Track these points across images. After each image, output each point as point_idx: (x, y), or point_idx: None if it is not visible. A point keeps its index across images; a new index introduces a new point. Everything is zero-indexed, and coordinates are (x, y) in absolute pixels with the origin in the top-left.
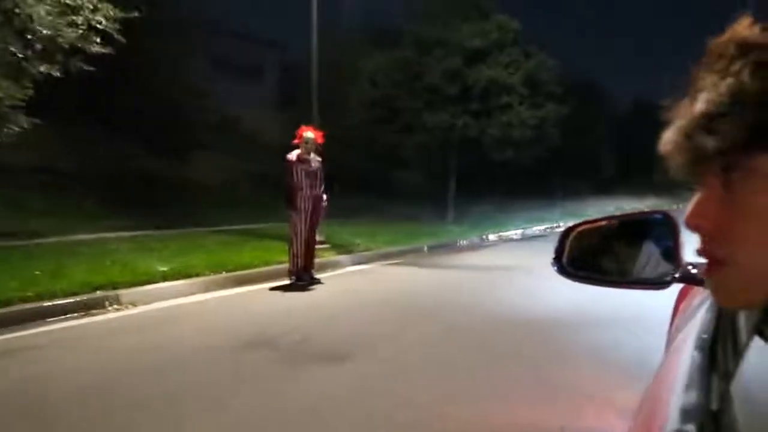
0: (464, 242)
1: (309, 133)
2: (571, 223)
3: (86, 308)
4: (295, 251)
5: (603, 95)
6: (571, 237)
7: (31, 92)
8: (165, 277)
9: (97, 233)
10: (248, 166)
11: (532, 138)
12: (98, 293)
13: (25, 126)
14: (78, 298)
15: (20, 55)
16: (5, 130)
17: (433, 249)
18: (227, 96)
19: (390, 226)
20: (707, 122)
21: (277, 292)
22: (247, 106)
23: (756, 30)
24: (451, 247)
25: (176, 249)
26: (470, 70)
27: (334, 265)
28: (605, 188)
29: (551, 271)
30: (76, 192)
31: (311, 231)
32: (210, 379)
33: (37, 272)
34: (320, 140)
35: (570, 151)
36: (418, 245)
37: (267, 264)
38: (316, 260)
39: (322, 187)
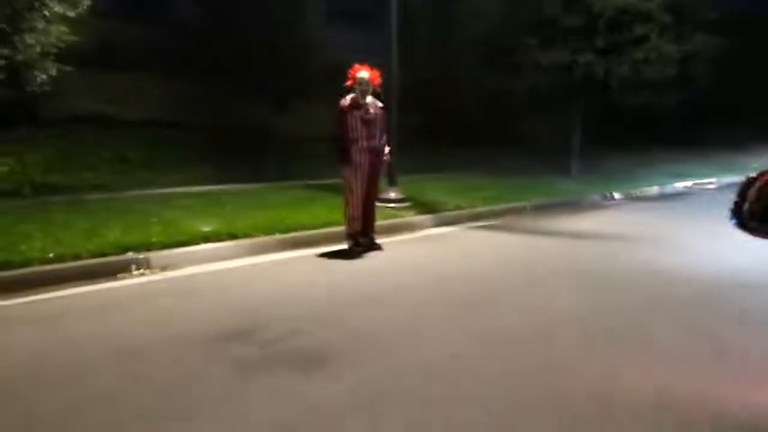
0: (581, 200)
1: (363, 73)
2: (754, 174)
3: (109, 273)
4: (351, 213)
5: None
6: (755, 188)
7: (69, 38)
8: (207, 239)
9: (177, 187)
10: None
11: (674, 77)
12: (128, 255)
13: (53, 73)
14: (103, 260)
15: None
16: (37, 78)
17: (538, 209)
18: (339, 44)
19: (496, 181)
20: None
21: (322, 260)
22: (358, 54)
23: None
24: (561, 207)
25: (241, 205)
26: None
27: (411, 227)
28: None
29: (699, 241)
30: (176, 144)
31: (369, 189)
32: (125, 386)
33: (67, 230)
34: (376, 80)
35: (729, 94)
36: (521, 204)
37: (327, 225)
38: (391, 221)
39: (384, 138)
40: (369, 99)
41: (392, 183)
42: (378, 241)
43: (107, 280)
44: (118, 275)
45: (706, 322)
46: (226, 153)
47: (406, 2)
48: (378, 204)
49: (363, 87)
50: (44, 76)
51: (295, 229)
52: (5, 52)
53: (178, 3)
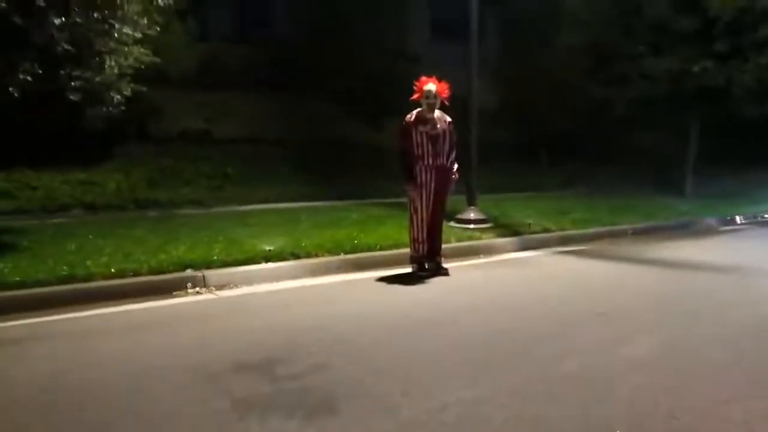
0: (695, 224)
1: (430, 86)
2: None
3: (165, 290)
4: (415, 235)
5: None
6: None
7: (147, 59)
8: (268, 258)
9: (266, 203)
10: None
11: None
12: (186, 273)
13: (128, 94)
14: (161, 277)
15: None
16: (113, 99)
17: (641, 233)
18: (441, 59)
19: (593, 201)
20: None
21: (381, 284)
22: (458, 69)
23: None
24: (669, 232)
25: (315, 223)
26: None
27: (488, 251)
28: None
29: None
30: (271, 161)
31: (435, 210)
32: (119, 414)
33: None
34: (444, 93)
35: None
36: (621, 227)
37: (396, 246)
38: (468, 243)
39: (453, 155)
40: (437, 113)
41: (471, 202)
42: (451, 264)
43: (162, 298)
44: (174, 293)
45: None
46: (319, 170)
47: (499, 13)
48: (456, 225)
49: (430, 100)
50: (119, 97)
51: (361, 250)
52: (87, 74)
53: (274, 22)
